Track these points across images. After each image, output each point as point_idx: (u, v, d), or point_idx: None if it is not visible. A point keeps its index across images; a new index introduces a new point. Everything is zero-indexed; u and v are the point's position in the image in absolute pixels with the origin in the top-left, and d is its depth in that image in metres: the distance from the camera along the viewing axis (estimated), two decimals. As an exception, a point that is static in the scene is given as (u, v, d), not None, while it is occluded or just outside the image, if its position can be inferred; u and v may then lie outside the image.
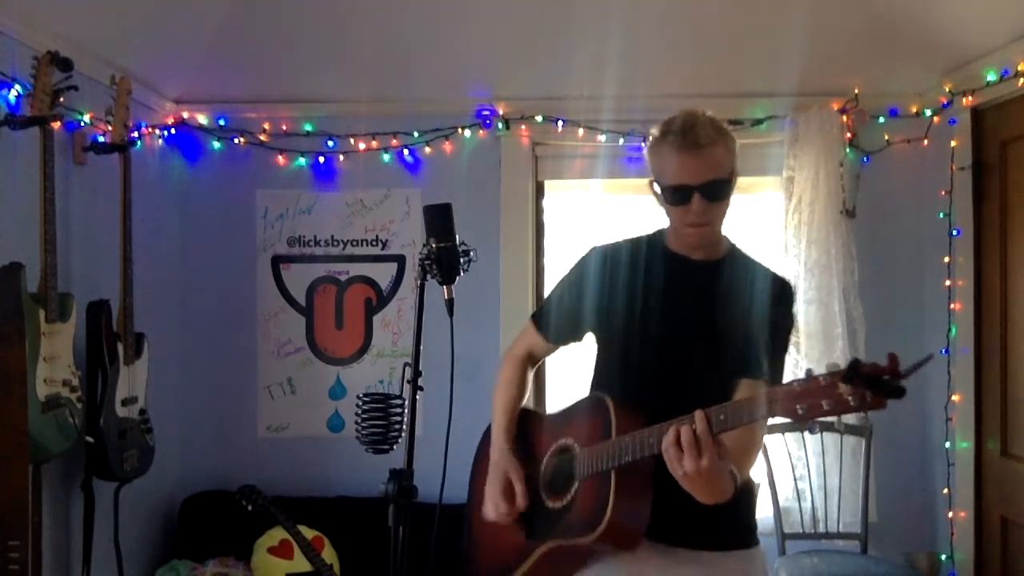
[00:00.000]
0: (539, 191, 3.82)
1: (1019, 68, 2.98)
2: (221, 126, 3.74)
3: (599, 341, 2.00)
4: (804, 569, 3.13)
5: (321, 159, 3.73)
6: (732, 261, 1.89)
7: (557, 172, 3.78)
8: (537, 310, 2.15)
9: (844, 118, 3.49)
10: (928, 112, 3.52)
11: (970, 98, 3.28)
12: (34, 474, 2.54)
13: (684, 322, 1.85)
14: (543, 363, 2.25)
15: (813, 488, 3.42)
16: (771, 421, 1.59)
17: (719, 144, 1.80)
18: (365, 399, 2.64)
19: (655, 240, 1.95)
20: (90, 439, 2.79)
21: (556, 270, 3.17)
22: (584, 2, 3.16)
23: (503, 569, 1.93)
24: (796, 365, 3.49)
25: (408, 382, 1.81)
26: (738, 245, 1.95)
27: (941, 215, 3.41)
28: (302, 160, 3.74)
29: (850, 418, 3.34)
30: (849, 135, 3.51)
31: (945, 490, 3.42)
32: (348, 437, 3.33)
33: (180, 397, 3.74)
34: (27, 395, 2.42)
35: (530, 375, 2.14)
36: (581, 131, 3.63)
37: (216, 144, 3.74)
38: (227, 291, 3.80)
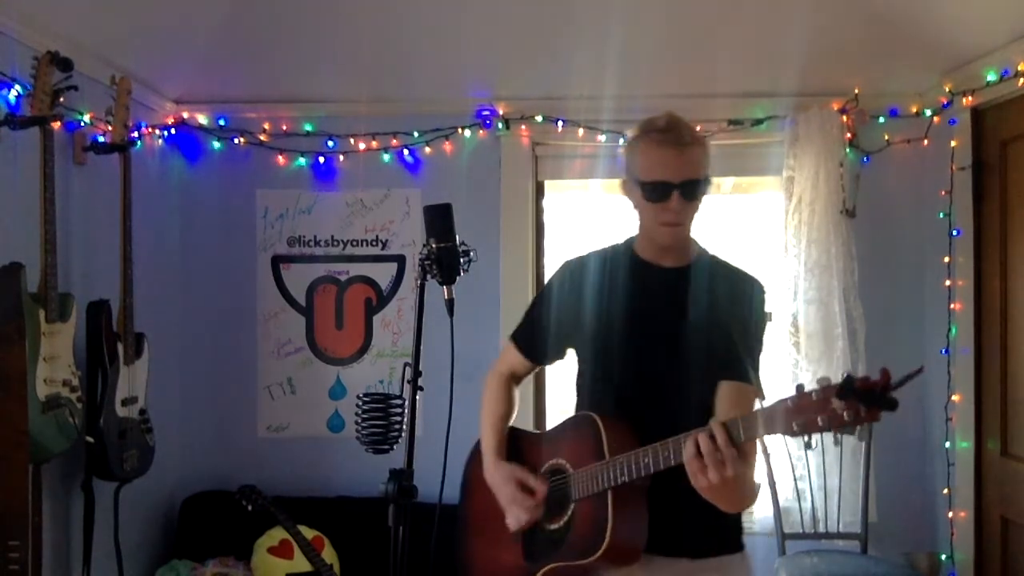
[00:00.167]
0: (539, 191, 3.82)
1: (1019, 68, 2.98)
2: (221, 126, 3.74)
3: (578, 355, 2.01)
4: (804, 569, 3.13)
5: (321, 159, 3.73)
6: (701, 265, 1.90)
7: (557, 172, 3.78)
8: (516, 329, 2.13)
9: (844, 118, 3.49)
10: (928, 112, 3.52)
11: (970, 98, 3.28)
12: (34, 474, 2.54)
13: (659, 331, 1.85)
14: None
15: (813, 488, 3.42)
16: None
17: (698, 145, 1.82)
18: (365, 399, 2.64)
19: (624, 250, 1.96)
20: (90, 439, 2.79)
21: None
22: (584, 2, 3.16)
23: None
24: (796, 365, 3.50)
25: (408, 382, 1.81)
26: (707, 248, 1.95)
27: (941, 215, 3.41)
28: (302, 160, 3.74)
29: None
30: (849, 135, 3.51)
31: (945, 490, 3.42)
32: (348, 437, 3.33)
33: (180, 397, 3.74)
34: (27, 395, 2.42)
35: (516, 392, 2.13)
36: (581, 131, 3.63)
37: (216, 144, 3.74)
38: (227, 291, 3.80)
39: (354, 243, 3.78)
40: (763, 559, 3.44)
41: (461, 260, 1.80)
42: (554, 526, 1.87)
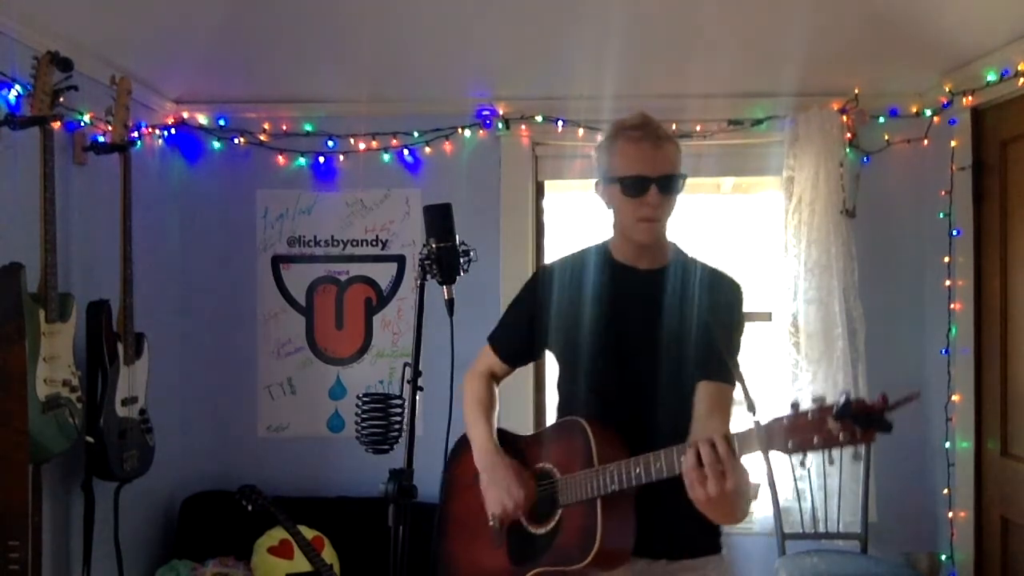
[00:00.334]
0: (539, 191, 3.82)
1: (1019, 68, 2.98)
2: (221, 126, 3.74)
3: (557, 359, 2.02)
4: (804, 569, 3.13)
5: (321, 159, 3.73)
6: (677, 267, 1.91)
7: (557, 172, 3.78)
8: (494, 331, 2.15)
9: (844, 118, 3.49)
10: (928, 112, 3.52)
11: (970, 98, 3.28)
12: (34, 474, 2.54)
13: (637, 333, 1.86)
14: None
15: (813, 488, 3.42)
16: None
17: (672, 142, 1.84)
18: (365, 399, 2.65)
19: (600, 253, 1.97)
20: (90, 439, 2.79)
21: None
22: (584, 2, 3.16)
23: None
24: (796, 365, 3.50)
25: (408, 382, 1.81)
26: (683, 250, 1.96)
27: (941, 215, 3.41)
28: (302, 160, 3.74)
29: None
30: (849, 135, 3.51)
31: (945, 490, 3.42)
32: (348, 437, 3.34)
33: (180, 397, 3.74)
34: (27, 395, 2.42)
35: (496, 389, 2.14)
36: (581, 131, 3.63)
37: (216, 144, 3.74)
38: (227, 291, 3.80)
39: (354, 243, 3.78)
40: (763, 559, 3.45)
41: (461, 260, 1.80)
42: (541, 530, 1.87)
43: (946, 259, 3.40)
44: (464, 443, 2.08)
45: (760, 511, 3.50)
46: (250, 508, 3.02)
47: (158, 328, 3.30)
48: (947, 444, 3.41)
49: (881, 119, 3.58)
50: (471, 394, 2.11)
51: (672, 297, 1.86)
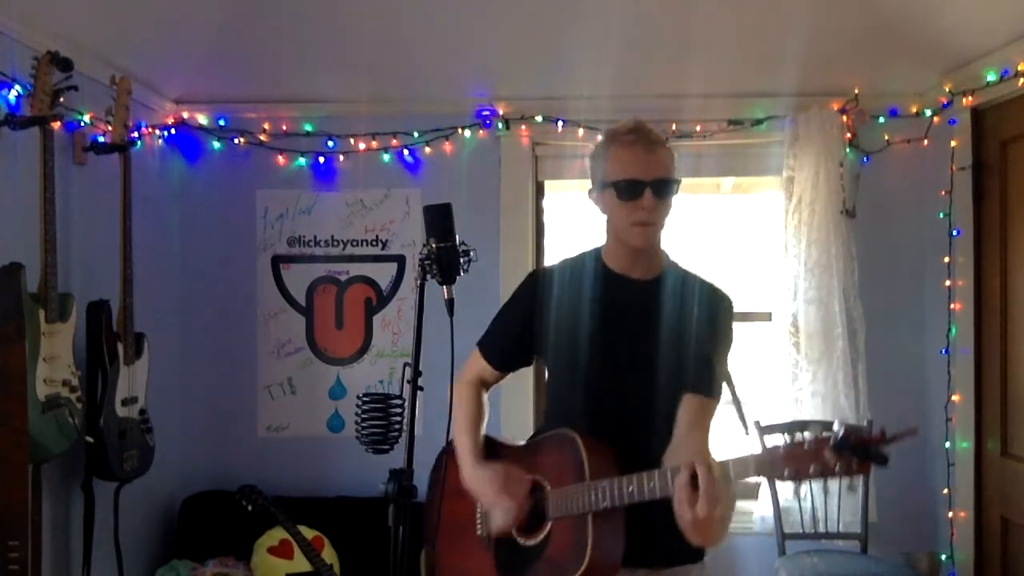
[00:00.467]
0: (539, 191, 3.82)
1: (1019, 68, 2.98)
2: (221, 126, 3.74)
3: (547, 366, 2.01)
4: (804, 569, 3.13)
5: (321, 159, 3.73)
6: (669, 278, 1.91)
7: (557, 172, 3.78)
8: (483, 337, 2.13)
9: (844, 118, 3.49)
10: (928, 112, 3.52)
11: (970, 98, 3.28)
12: (34, 474, 2.54)
13: (628, 343, 1.87)
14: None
15: (813, 488, 3.42)
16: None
17: (666, 147, 1.85)
18: (365, 399, 2.65)
19: (593, 260, 1.96)
20: (90, 439, 2.79)
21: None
22: (584, 2, 3.16)
23: None
24: (796, 365, 3.50)
25: (408, 382, 1.81)
26: (676, 261, 1.96)
27: (941, 215, 3.41)
28: (302, 160, 3.74)
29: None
30: (849, 135, 3.51)
31: (945, 490, 3.42)
32: (348, 437, 3.34)
33: (180, 397, 3.74)
34: (27, 395, 2.42)
35: (485, 398, 2.12)
36: (581, 131, 3.63)
37: (216, 144, 3.74)
38: (227, 291, 3.80)
39: (354, 243, 3.78)
40: (763, 559, 3.45)
41: (461, 260, 1.80)
42: (531, 542, 1.86)
43: (946, 259, 3.40)
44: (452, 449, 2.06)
45: (760, 511, 3.50)
46: (250, 508, 3.02)
47: (158, 328, 3.30)
48: (947, 444, 3.41)
49: (881, 119, 3.57)
50: (458, 407, 2.06)
51: (662, 309, 1.86)
